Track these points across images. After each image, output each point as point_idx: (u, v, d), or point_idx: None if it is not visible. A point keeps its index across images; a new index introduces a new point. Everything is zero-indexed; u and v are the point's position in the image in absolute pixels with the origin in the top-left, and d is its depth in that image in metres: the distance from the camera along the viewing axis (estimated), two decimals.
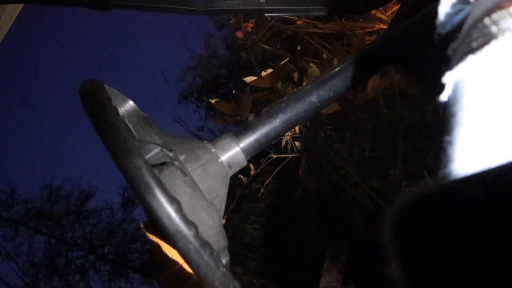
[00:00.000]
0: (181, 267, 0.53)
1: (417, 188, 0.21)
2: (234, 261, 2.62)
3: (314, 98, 0.60)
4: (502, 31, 0.25)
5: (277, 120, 0.58)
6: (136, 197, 0.39)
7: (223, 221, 0.53)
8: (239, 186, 2.63)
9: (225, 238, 0.52)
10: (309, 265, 2.28)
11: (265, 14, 0.89)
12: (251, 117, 1.94)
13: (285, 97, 0.61)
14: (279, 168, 2.43)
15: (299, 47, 2.50)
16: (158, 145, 0.45)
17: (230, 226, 2.74)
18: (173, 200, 0.37)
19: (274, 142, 0.60)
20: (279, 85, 1.98)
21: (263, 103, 2.24)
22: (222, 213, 0.53)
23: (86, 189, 5.09)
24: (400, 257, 0.21)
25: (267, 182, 2.56)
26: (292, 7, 0.87)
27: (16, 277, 4.61)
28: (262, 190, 2.58)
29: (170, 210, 0.37)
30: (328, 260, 0.70)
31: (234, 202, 2.65)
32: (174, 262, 0.53)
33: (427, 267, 0.20)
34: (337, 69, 0.63)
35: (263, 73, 1.82)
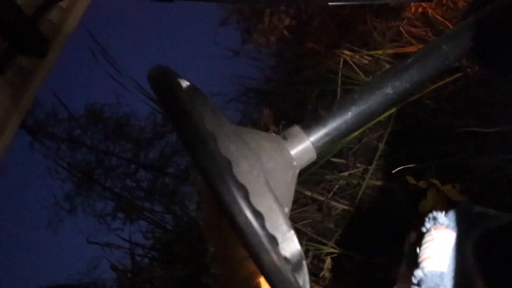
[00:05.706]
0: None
1: None
2: None
3: (389, 89, 0.56)
4: None
5: (349, 112, 0.54)
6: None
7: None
8: None
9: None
10: None
11: (329, 4, 0.86)
12: None
13: (357, 89, 0.57)
14: None
15: None
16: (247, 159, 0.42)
17: None
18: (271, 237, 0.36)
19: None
20: None
21: None
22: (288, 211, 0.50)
23: (125, 113, 5.12)
24: None
25: None
26: None
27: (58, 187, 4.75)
28: None
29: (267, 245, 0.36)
30: (405, 266, 0.64)
31: None
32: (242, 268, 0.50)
33: None
34: (413, 58, 0.59)
35: None
